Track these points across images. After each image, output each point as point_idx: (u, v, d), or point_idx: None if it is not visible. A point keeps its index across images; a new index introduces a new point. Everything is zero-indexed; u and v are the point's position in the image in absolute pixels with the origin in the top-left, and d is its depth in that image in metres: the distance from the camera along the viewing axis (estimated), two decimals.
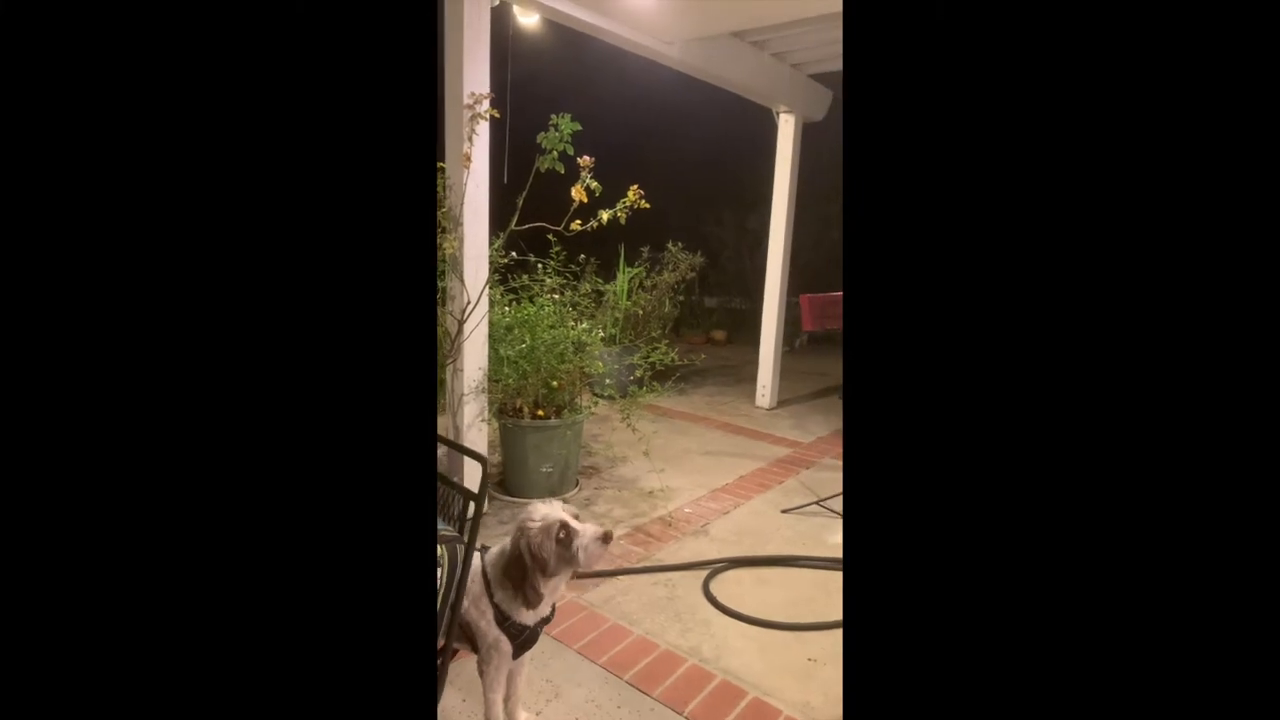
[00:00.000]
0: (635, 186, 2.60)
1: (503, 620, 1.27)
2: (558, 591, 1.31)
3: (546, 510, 1.26)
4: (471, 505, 0.96)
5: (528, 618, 1.28)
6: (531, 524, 1.23)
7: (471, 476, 2.58)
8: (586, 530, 1.23)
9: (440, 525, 0.87)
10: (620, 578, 2.23)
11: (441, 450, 2.60)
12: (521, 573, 1.22)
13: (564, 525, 1.23)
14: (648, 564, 2.33)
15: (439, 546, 0.83)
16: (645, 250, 4.87)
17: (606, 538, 1.24)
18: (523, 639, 1.30)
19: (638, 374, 3.18)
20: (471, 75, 2.42)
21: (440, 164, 2.50)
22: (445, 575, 0.83)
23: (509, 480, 2.94)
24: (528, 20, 2.99)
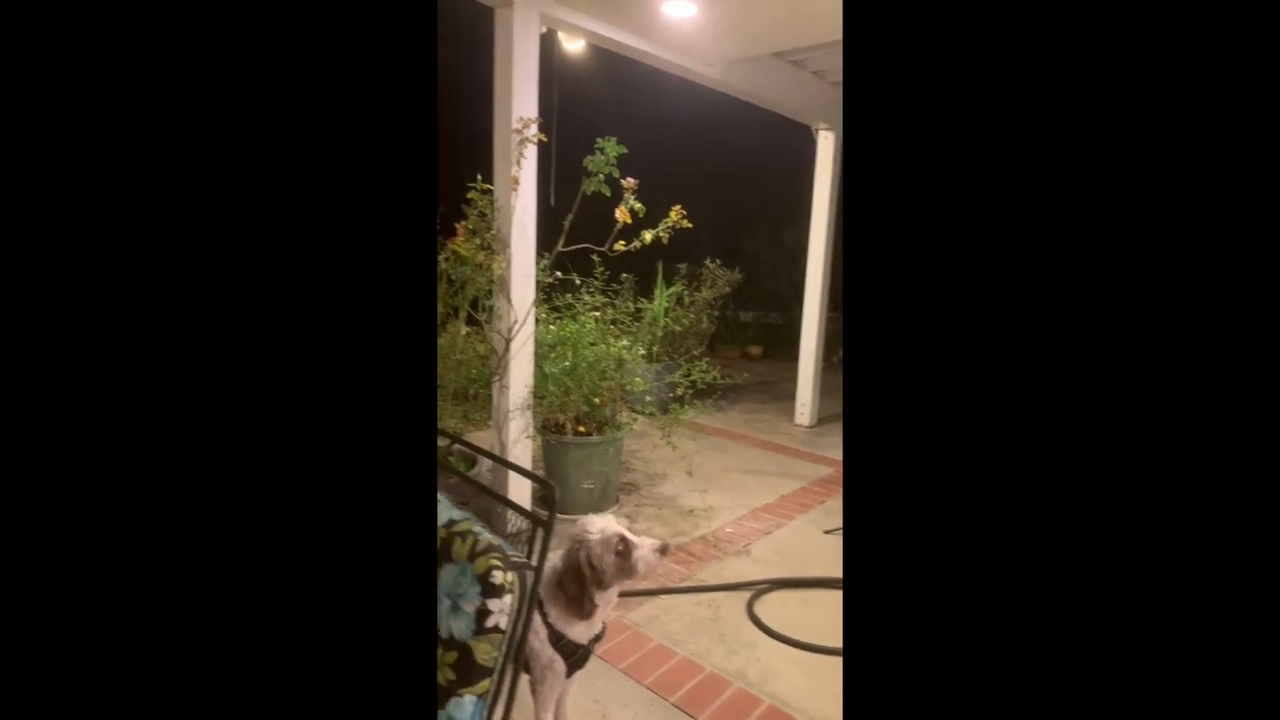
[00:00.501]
0: (678, 207, 2.63)
1: (556, 640, 1.29)
2: (610, 605, 1.32)
3: (603, 523, 1.28)
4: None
5: (581, 635, 1.30)
6: (590, 536, 1.25)
7: (516, 491, 2.62)
8: (644, 542, 1.27)
9: (508, 549, 0.89)
10: (663, 597, 2.23)
11: (488, 465, 2.65)
12: (579, 585, 1.24)
13: (622, 538, 1.26)
14: (690, 584, 2.33)
15: (509, 573, 0.85)
16: (683, 267, 4.89)
17: (664, 549, 1.27)
18: (576, 657, 1.32)
19: (679, 391, 3.19)
20: (520, 101, 2.49)
21: (489, 186, 2.57)
22: (515, 601, 0.85)
23: (550, 495, 2.97)
24: (573, 46, 3.07)
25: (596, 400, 2.91)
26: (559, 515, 2.96)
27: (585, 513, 2.38)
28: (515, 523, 2.68)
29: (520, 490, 2.69)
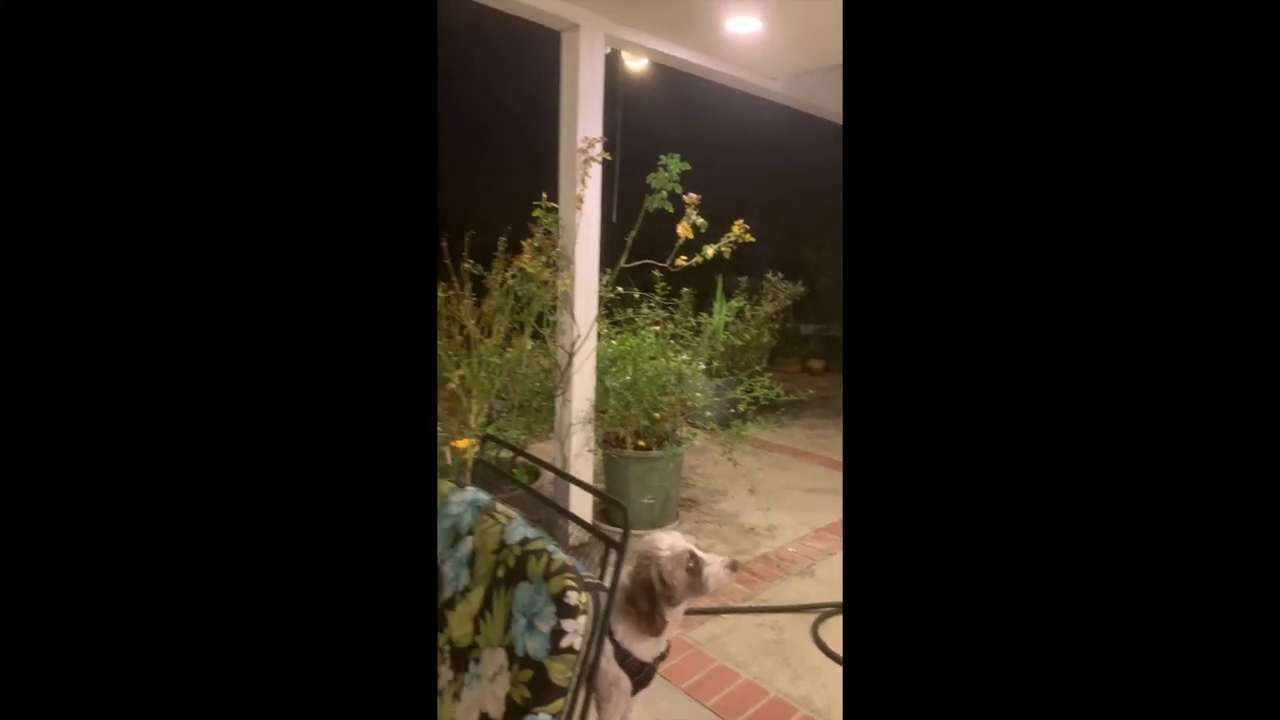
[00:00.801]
0: (740, 221, 2.62)
1: (623, 657, 1.29)
2: (678, 623, 1.32)
3: (671, 540, 1.28)
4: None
5: (647, 653, 1.30)
6: (661, 552, 1.25)
7: (578, 505, 2.65)
8: (714, 559, 1.27)
9: (581, 569, 0.90)
10: (725, 616, 2.20)
11: (548, 477, 2.69)
12: (650, 601, 1.24)
13: (692, 554, 1.25)
14: (753, 604, 2.29)
15: (583, 594, 0.86)
16: (744, 280, 4.85)
17: (734, 566, 1.26)
18: (641, 675, 1.31)
19: (740, 407, 3.16)
20: (585, 121, 2.55)
21: (553, 205, 2.63)
22: (589, 622, 0.86)
23: (610, 510, 2.99)
24: (635, 65, 3.12)
25: (657, 415, 2.91)
26: (617, 529, 2.97)
27: (646, 528, 2.38)
28: (577, 535, 2.70)
29: (581, 503, 2.72)
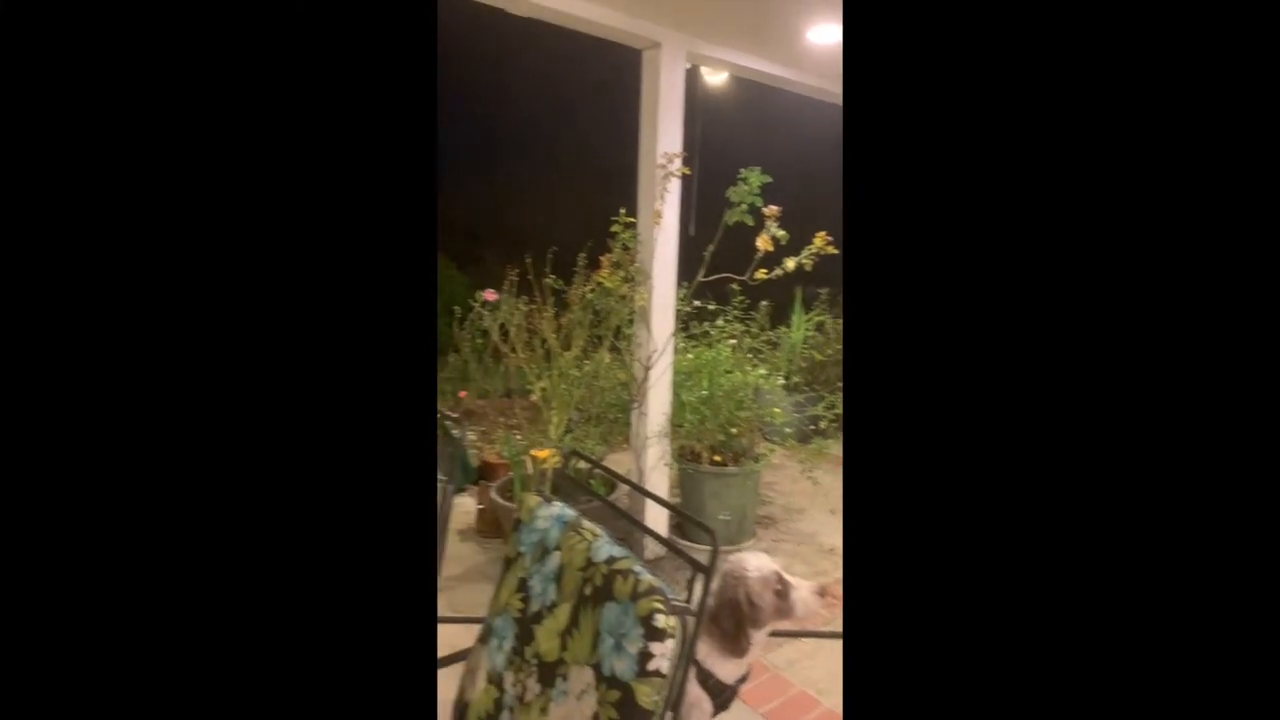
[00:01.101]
0: (823, 234, 2.56)
1: (704, 679, 1.27)
2: (761, 646, 1.29)
3: (758, 561, 1.26)
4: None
5: (729, 675, 1.28)
6: (749, 574, 1.24)
7: (653, 518, 2.65)
8: (802, 584, 1.24)
9: (668, 592, 0.89)
10: (804, 640, 2.14)
11: (623, 490, 2.71)
12: (735, 622, 1.23)
13: (780, 576, 1.23)
14: (833, 629, 2.21)
15: (671, 618, 0.85)
16: (824, 292, 4.74)
17: (823, 592, 1.23)
18: (723, 698, 1.29)
19: (821, 424, 3.07)
20: (665, 136, 2.57)
21: (631, 220, 2.66)
22: (676, 646, 0.85)
23: (686, 525, 2.97)
24: (714, 79, 3.12)
25: (734, 430, 2.88)
26: (694, 545, 2.96)
27: (722, 545, 2.35)
28: (652, 549, 2.69)
29: (656, 517, 2.72)
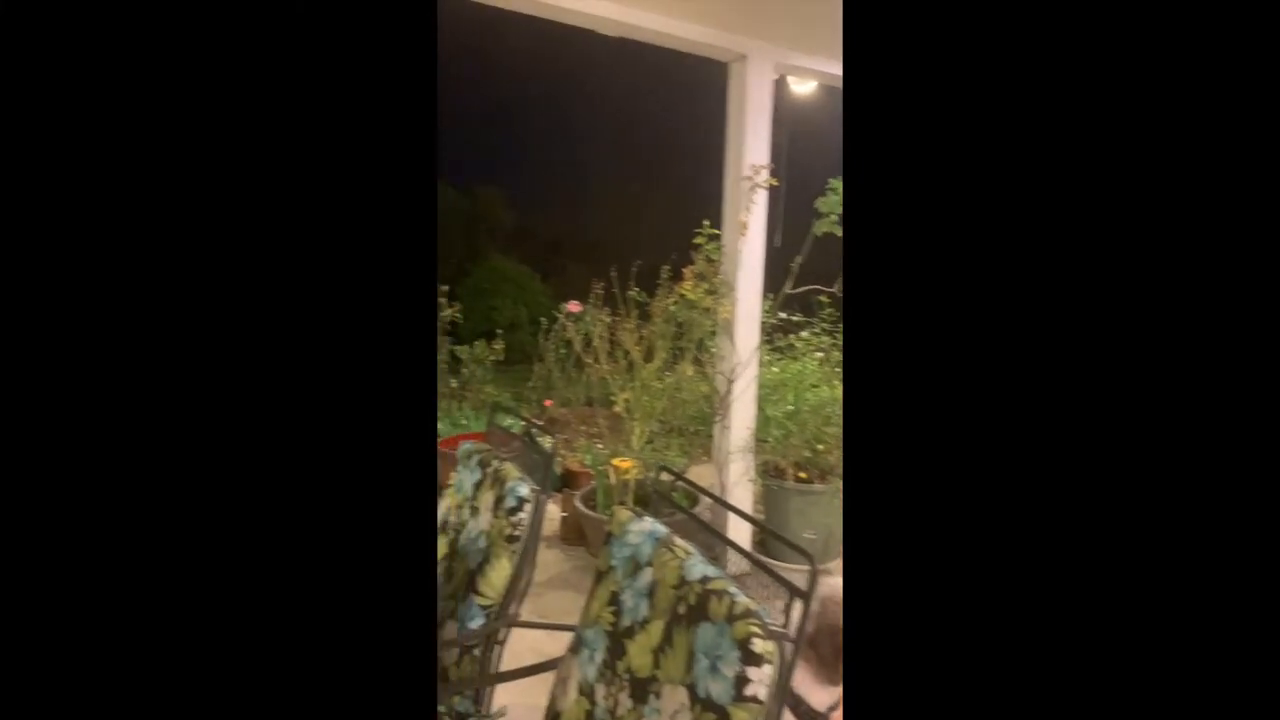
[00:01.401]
0: None
1: (795, 704, 1.23)
2: None
3: None
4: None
5: (821, 702, 1.24)
6: None
7: (736, 533, 2.61)
8: None
9: (764, 616, 0.87)
10: None
11: (706, 502, 2.68)
12: (832, 649, 1.19)
13: None
14: None
15: (769, 642, 0.83)
16: None
17: None
18: None
19: None
20: (752, 147, 2.54)
21: (716, 231, 2.65)
22: (774, 672, 0.83)
23: (769, 542, 2.90)
24: (803, 89, 3.06)
25: (820, 447, 2.79)
26: (782, 564, 2.89)
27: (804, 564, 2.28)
28: (735, 564, 2.65)
29: (738, 531, 2.68)
